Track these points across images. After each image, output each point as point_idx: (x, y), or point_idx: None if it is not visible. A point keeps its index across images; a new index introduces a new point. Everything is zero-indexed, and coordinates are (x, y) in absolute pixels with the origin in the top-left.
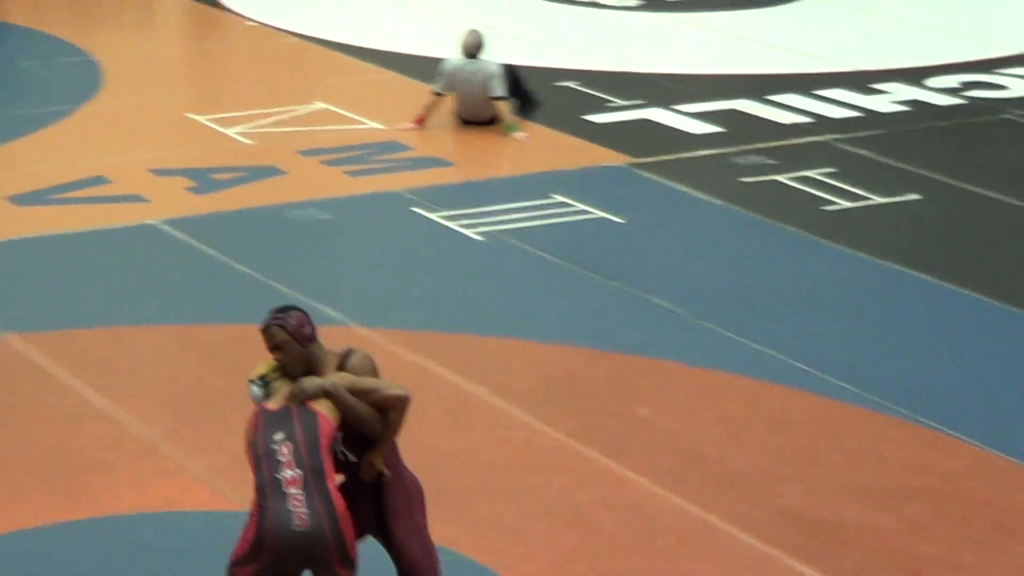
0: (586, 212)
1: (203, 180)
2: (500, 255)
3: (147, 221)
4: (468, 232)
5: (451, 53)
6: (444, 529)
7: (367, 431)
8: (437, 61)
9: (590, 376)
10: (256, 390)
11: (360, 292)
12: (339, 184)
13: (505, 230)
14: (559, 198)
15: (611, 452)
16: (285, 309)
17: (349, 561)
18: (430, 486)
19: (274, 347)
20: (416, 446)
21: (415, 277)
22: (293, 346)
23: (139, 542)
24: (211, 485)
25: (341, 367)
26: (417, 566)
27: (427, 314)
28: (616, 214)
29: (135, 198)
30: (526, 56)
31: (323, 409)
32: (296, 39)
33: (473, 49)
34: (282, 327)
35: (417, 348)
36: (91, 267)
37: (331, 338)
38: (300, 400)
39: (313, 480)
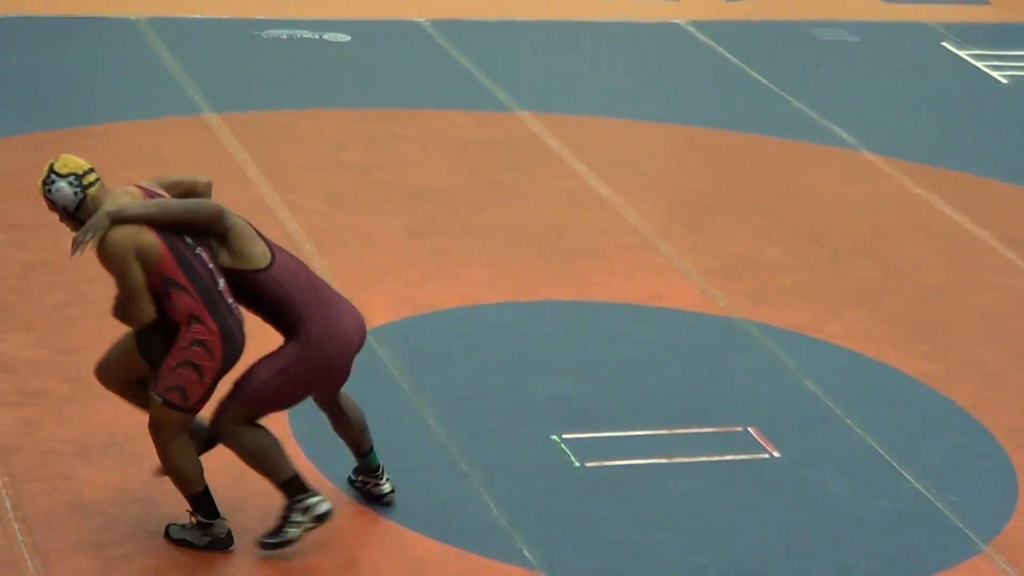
0: None
1: None
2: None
3: (673, 20)
4: (994, 74)
5: None
6: (922, 364)
7: (200, 224)
8: None
9: None
10: (66, 188)
11: (875, 119)
12: (872, 8)
13: None
14: None
15: None
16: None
17: None
18: (915, 322)
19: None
20: (909, 281)
21: (932, 111)
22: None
23: (620, 331)
24: (699, 286)
25: None
26: (245, 379)
27: (937, 149)
28: None
29: None
30: None
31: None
32: None
33: None
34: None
35: (924, 182)
36: (611, 58)
37: (838, 159)
38: (82, 245)
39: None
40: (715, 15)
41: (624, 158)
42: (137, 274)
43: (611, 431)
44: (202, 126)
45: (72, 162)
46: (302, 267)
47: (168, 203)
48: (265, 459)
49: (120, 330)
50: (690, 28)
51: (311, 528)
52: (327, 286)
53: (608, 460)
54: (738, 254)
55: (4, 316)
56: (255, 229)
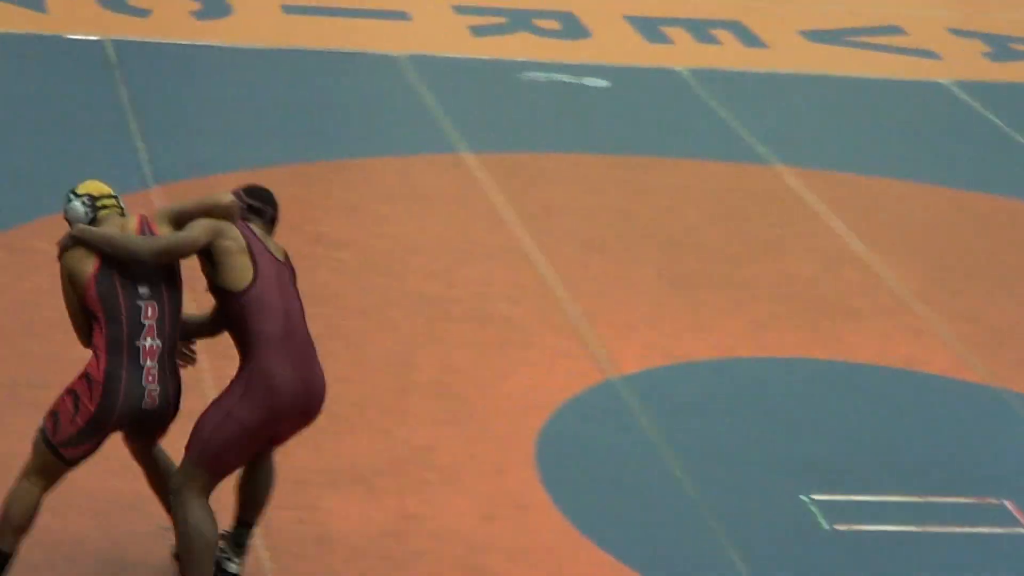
0: None
1: (1000, 47)
2: None
3: (937, 79)
4: None
5: None
6: None
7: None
8: None
9: None
10: (79, 207)
11: None
12: None
13: None
14: None
15: None
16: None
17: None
18: None
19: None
20: None
21: None
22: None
23: (874, 393)
24: (957, 352)
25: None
26: (196, 428)
27: None
28: None
29: (928, 54)
30: None
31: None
32: None
33: None
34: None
35: None
36: (872, 115)
37: None
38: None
39: (167, 354)
40: (981, 76)
41: (882, 217)
42: (69, 296)
43: (862, 495)
44: (459, 165)
45: (93, 186)
46: (285, 310)
47: (133, 239)
48: (195, 550)
49: None
50: (955, 88)
51: None
52: (307, 343)
53: (857, 524)
54: (1000, 322)
55: None
56: (253, 257)
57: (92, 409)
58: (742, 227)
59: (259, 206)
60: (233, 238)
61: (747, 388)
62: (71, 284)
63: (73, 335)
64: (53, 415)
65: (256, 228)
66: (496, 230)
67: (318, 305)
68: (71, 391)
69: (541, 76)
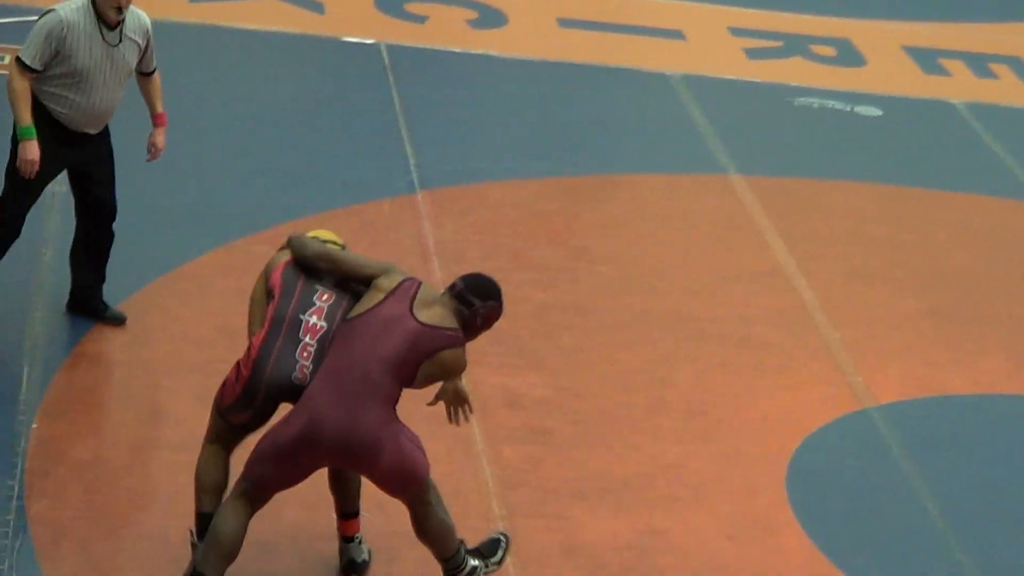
0: None
1: None
2: None
3: None
4: None
5: None
6: None
7: None
8: None
9: None
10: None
11: None
12: None
13: None
14: None
15: None
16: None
17: None
18: None
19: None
20: None
21: None
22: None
23: None
24: None
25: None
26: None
27: None
28: None
29: None
30: None
31: None
32: None
33: None
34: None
35: None
36: None
37: None
38: None
39: (330, 344)
40: None
41: None
42: (257, 284)
43: None
44: (727, 187)
45: (326, 234)
46: (365, 351)
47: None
48: (221, 544)
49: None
50: None
51: None
52: (366, 387)
53: None
54: None
55: (518, 354)
56: (384, 299)
57: (246, 375)
58: (1010, 263)
59: (468, 298)
60: (388, 283)
61: (1005, 425)
62: (264, 270)
63: None
64: (222, 384)
65: (432, 299)
66: (760, 253)
67: (577, 317)
68: (237, 362)
69: (814, 103)
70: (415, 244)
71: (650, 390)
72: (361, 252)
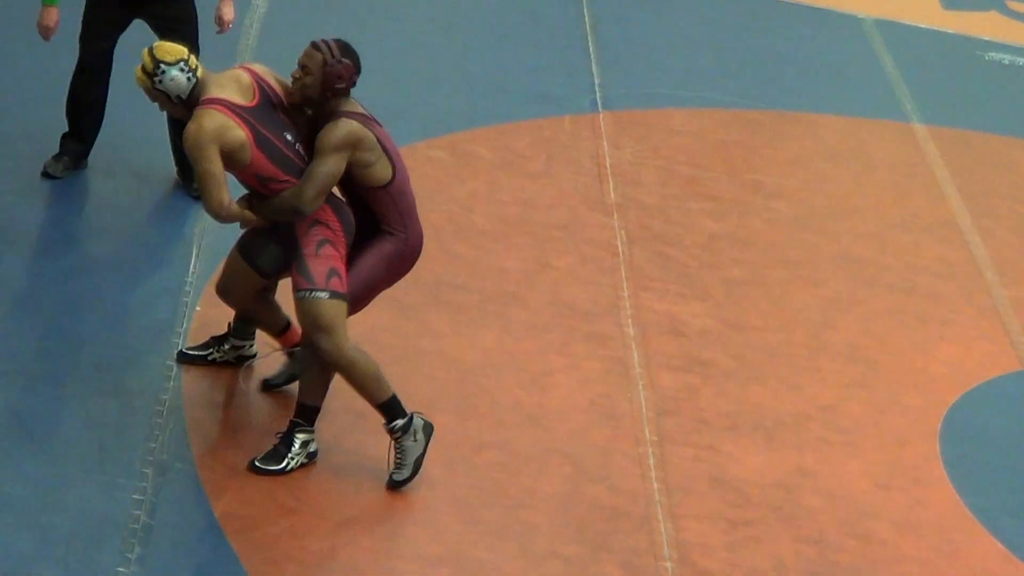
0: None
1: None
2: None
3: None
4: None
5: None
6: None
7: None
8: None
9: None
10: (180, 77)
11: None
12: None
13: None
14: None
15: None
16: (345, 47)
17: None
18: None
19: (301, 65)
20: None
21: None
22: (314, 80)
23: None
24: None
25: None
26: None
27: None
28: None
29: None
30: None
31: None
32: None
33: None
34: (319, 51)
35: None
36: None
37: None
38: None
39: None
40: None
41: None
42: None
43: None
44: (909, 135)
45: (172, 48)
46: (407, 181)
47: (290, 201)
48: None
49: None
50: None
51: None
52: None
53: None
54: None
55: (684, 282)
56: (386, 152)
57: (340, 230)
58: None
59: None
60: (368, 148)
61: None
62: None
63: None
64: (335, 273)
65: (357, 104)
66: (936, 203)
67: (745, 251)
68: (321, 241)
69: (1006, 59)
70: (592, 163)
71: (813, 331)
72: (538, 167)
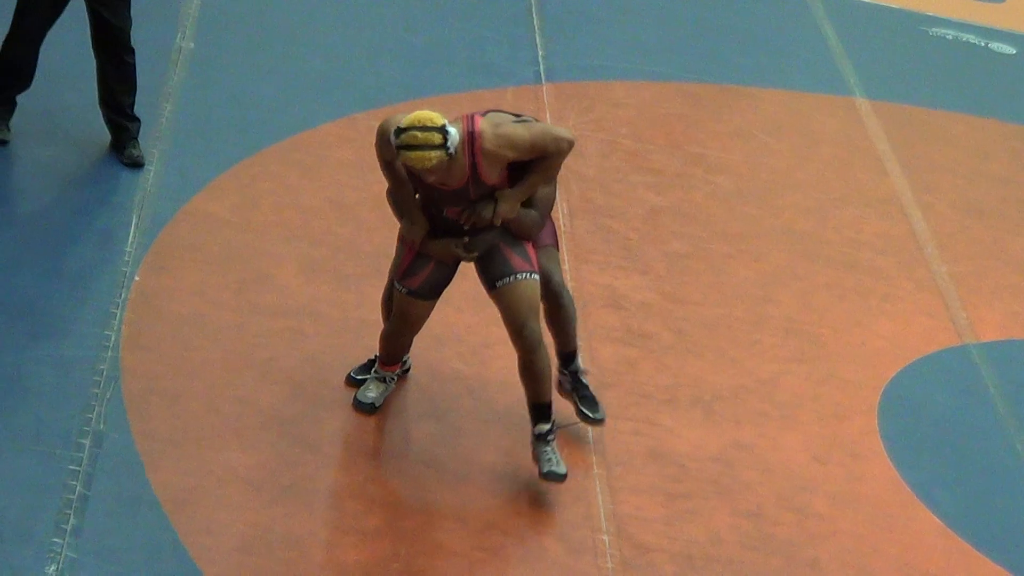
0: None
1: None
2: None
3: None
4: None
5: None
6: None
7: None
8: None
9: None
10: (455, 133)
11: None
12: None
13: None
14: None
15: None
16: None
17: None
18: None
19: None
20: None
21: None
22: None
23: None
24: None
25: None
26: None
27: None
28: None
29: None
30: None
31: None
32: None
33: None
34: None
35: None
36: None
37: None
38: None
39: None
40: None
41: None
42: None
43: None
44: (851, 109)
45: (427, 112)
46: None
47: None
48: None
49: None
50: None
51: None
52: None
53: None
54: None
55: (625, 255)
56: None
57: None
58: None
59: None
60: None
61: None
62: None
63: None
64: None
65: None
66: (877, 179)
67: (687, 225)
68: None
69: (949, 34)
70: None
71: (753, 305)
72: None
